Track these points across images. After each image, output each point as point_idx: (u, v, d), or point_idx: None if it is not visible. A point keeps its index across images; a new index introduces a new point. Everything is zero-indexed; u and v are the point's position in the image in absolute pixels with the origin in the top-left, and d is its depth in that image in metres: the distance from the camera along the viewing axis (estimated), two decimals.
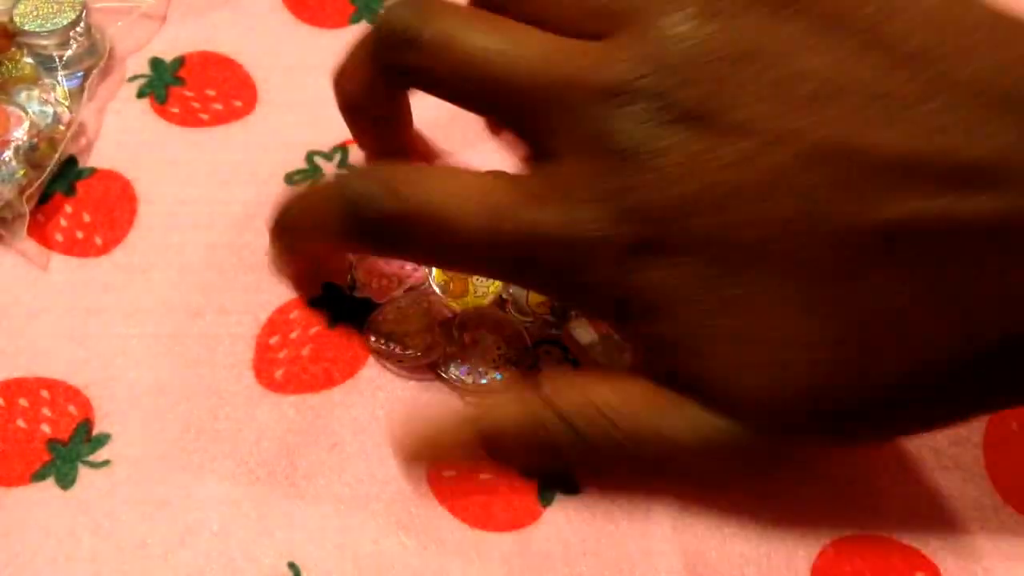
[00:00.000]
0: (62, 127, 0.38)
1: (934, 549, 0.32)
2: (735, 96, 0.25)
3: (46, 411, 0.34)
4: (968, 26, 0.25)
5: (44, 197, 0.38)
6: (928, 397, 0.26)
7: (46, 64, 0.40)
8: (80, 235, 0.37)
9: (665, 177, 0.25)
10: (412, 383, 0.34)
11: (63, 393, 0.34)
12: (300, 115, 0.41)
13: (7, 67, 0.39)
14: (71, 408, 0.34)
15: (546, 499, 0.33)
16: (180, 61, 0.42)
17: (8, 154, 0.36)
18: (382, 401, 0.34)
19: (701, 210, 0.25)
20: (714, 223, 0.25)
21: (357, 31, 0.44)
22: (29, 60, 0.39)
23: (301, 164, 0.40)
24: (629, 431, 0.27)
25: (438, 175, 0.29)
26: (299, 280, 0.36)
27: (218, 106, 0.41)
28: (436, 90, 0.30)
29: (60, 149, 0.38)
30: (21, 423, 0.33)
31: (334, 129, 0.41)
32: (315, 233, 0.32)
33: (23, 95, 0.38)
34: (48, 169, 0.37)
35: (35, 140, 0.37)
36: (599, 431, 0.27)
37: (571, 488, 0.33)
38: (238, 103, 0.41)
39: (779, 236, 0.25)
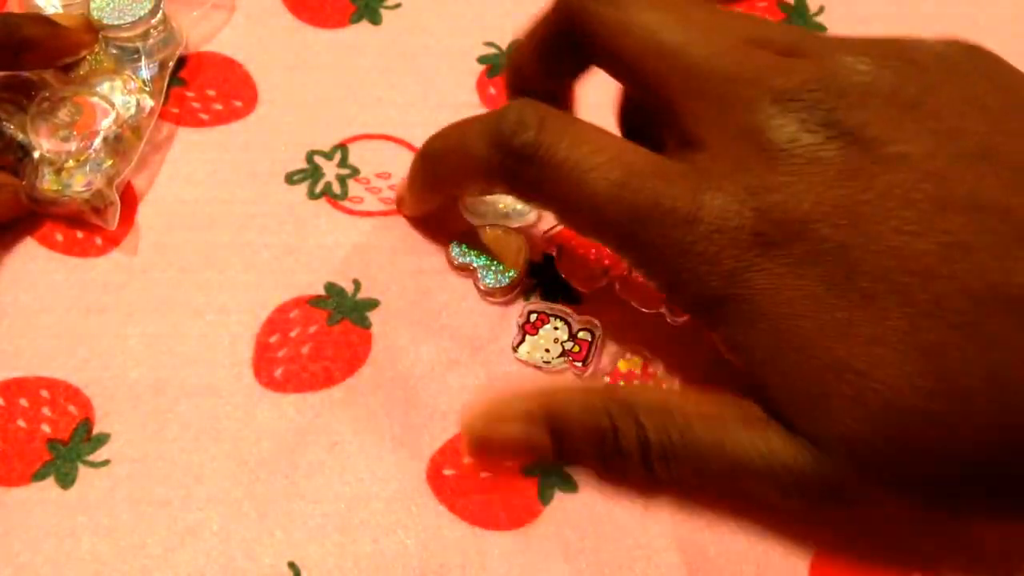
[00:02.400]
0: (145, 115, 0.39)
1: (933, 549, 0.32)
2: (897, 131, 0.25)
3: (46, 411, 0.34)
4: None
5: None
6: None
7: (126, 55, 0.41)
8: (80, 235, 0.37)
9: (812, 184, 0.26)
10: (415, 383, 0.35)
11: (63, 393, 0.34)
12: (300, 115, 0.41)
13: (89, 60, 0.40)
14: (71, 408, 0.34)
15: (546, 497, 0.33)
16: (180, 61, 0.42)
17: (97, 144, 0.37)
18: (382, 400, 0.34)
19: (841, 225, 0.25)
20: (852, 242, 0.25)
21: (357, 31, 0.44)
22: (113, 51, 0.40)
23: (301, 164, 0.40)
24: (688, 438, 0.27)
25: (587, 127, 0.29)
26: (425, 216, 0.37)
27: (218, 106, 0.41)
28: (611, 67, 0.31)
29: (144, 137, 0.39)
30: (21, 423, 0.33)
31: (334, 129, 0.41)
32: (461, 159, 0.32)
33: (105, 86, 0.39)
34: (136, 156, 0.38)
35: (120, 130, 0.38)
36: (660, 431, 0.27)
37: (570, 486, 0.33)
38: (238, 103, 0.41)
39: (915, 272, 0.24)
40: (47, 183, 0.37)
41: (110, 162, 0.37)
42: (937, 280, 0.24)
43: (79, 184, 0.37)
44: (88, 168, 0.37)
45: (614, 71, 0.31)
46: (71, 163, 0.37)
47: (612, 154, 0.28)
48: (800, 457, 0.26)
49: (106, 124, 0.38)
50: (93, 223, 0.37)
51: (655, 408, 0.27)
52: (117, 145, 0.38)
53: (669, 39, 0.28)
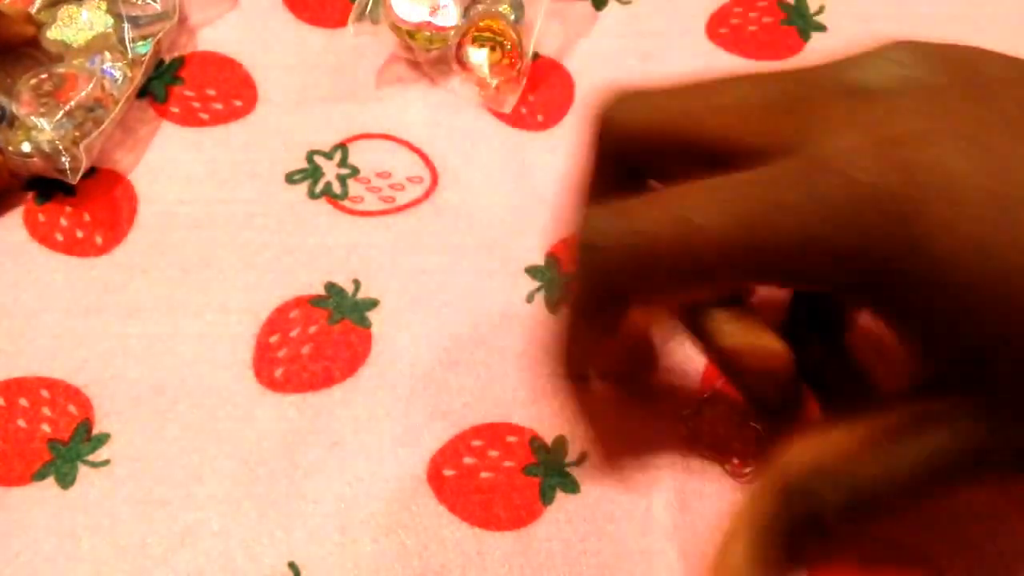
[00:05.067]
0: (125, 84, 0.40)
1: (935, 549, 0.32)
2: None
3: (46, 411, 0.34)
4: None
5: (45, 197, 0.38)
6: None
7: (119, 22, 0.41)
8: (80, 235, 0.37)
9: None
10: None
11: (63, 393, 0.34)
12: (300, 115, 0.41)
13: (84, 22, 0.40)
14: (71, 408, 0.34)
15: (547, 498, 0.33)
16: (180, 61, 0.42)
17: (70, 107, 0.38)
18: (382, 400, 0.34)
19: None
20: None
21: (357, 31, 0.44)
22: (108, 18, 0.41)
23: (301, 164, 0.40)
24: (877, 472, 0.25)
25: (680, 191, 0.26)
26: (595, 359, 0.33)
27: (218, 106, 0.41)
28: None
29: (121, 102, 0.39)
30: (21, 423, 0.33)
31: (334, 128, 0.41)
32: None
33: (96, 60, 0.40)
34: (109, 120, 0.39)
35: (100, 95, 0.39)
36: (845, 487, 0.25)
37: (572, 486, 0.33)
38: (238, 103, 0.41)
39: None
40: (16, 141, 0.37)
41: (78, 122, 0.38)
42: None
43: (44, 140, 0.37)
44: (56, 128, 0.38)
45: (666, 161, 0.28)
46: (41, 123, 0.38)
47: (719, 196, 0.25)
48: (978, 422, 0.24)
49: (84, 93, 0.38)
50: (55, 177, 0.38)
51: (828, 476, 0.26)
52: (92, 110, 0.39)
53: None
